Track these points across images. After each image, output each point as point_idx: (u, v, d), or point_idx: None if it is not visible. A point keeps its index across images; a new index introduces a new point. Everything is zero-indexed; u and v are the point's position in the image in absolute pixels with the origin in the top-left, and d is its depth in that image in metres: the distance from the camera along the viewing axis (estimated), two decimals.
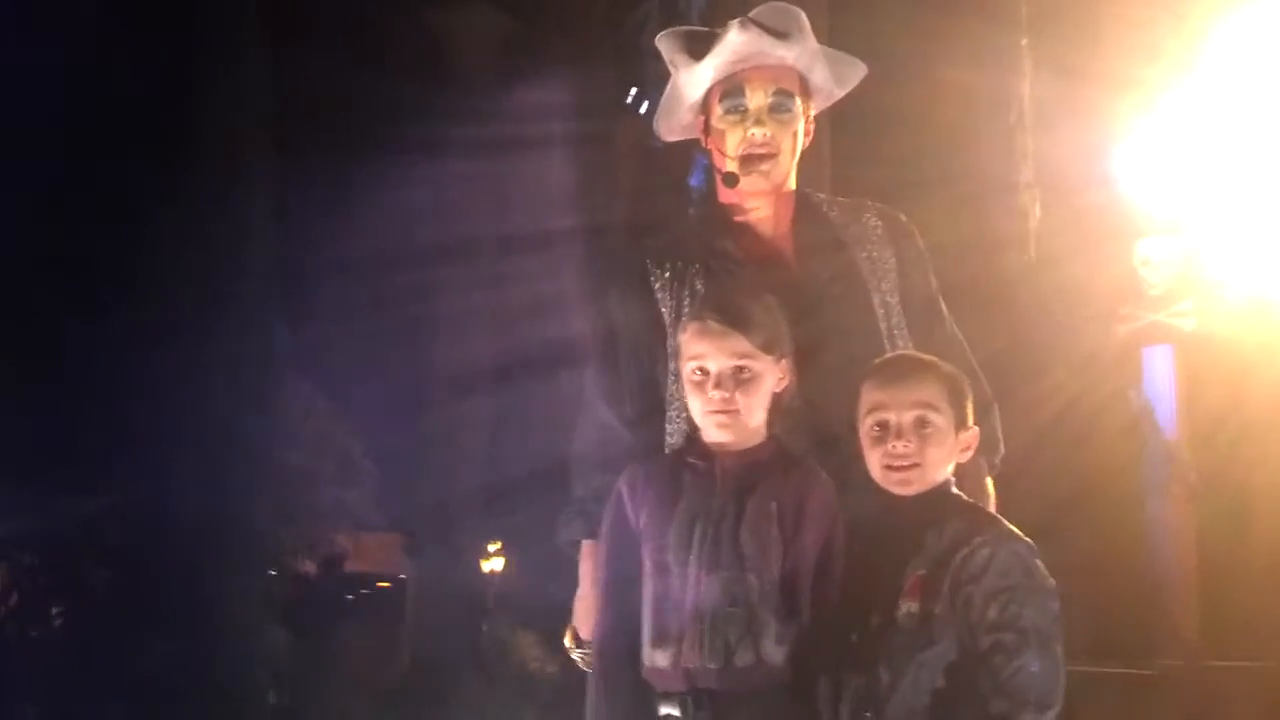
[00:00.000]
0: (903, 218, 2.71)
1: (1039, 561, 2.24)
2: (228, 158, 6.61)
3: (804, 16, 2.58)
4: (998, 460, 2.62)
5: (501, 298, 9.69)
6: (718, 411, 2.39)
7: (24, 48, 6.69)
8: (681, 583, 2.34)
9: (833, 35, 5.48)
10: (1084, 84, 5.57)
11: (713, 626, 2.32)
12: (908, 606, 2.23)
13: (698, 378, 2.40)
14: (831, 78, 2.66)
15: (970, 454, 2.36)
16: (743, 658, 2.32)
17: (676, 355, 2.46)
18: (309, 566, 11.41)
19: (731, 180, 2.56)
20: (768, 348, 2.39)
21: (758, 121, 2.55)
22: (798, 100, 2.58)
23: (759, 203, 2.60)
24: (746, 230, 2.62)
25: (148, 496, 6.71)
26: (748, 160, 2.55)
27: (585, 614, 2.60)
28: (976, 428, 2.36)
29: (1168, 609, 6.06)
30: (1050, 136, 5.90)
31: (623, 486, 2.44)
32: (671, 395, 2.54)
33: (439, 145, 8.80)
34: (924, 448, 2.29)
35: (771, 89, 2.55)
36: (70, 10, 6.80)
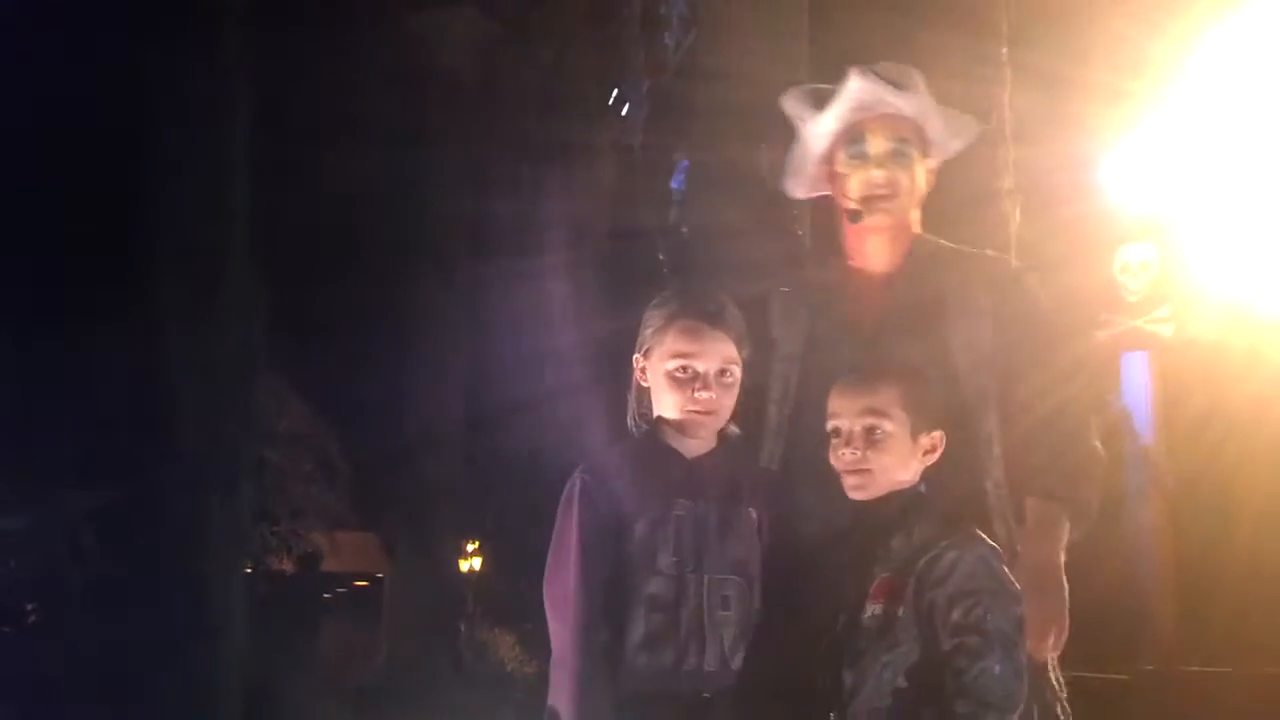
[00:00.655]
0: (1013, 270, 2.80)
1: (1004, 566, 2.27)
2: (203, 158, 6.59)
3: (919, 75, 2.73)
4: (1080, 534, 2.59)
5: (481, 298, 9.69)
6: (701, 412, 2.42)
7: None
8: (676, 584, 2.35)
9: (814, 47, 5.53)
10: (1065, 94, 5.60)
11: (711, 629, 2.33)
12: (873, 608, 2.26)
13: (683, 376, 2.42)
14: (947, 132, 2.79)
15: (936, 456, 2.38)
16: (737, 661, 2.34)
17: (644, 349, 2.49)
18: (286, 565, 11.39)
19: (856, 217, 2.72)
20: (741, 355, 2.46)
21: (878, 165, 2.70)
22: (914, 149, 2.72)
23: (878, 241, 2.73)
24: (857, 275, 2.77)
25: (123, 493, 6.68)
26: (869, 200, 2.70)
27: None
28: (941, 432, 2.37)
29: (1146, 614, 6.09)
30: (1031, 145, 5.92)
31: (588, 480, 2.42)
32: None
33: (420, 146, 8.79)
34: (873, 454, 2.32)
35: (891, 136, 2.71)
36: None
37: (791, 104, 2.82)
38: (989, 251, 2.81)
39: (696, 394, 2.41)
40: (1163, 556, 6.12)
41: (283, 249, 7.70)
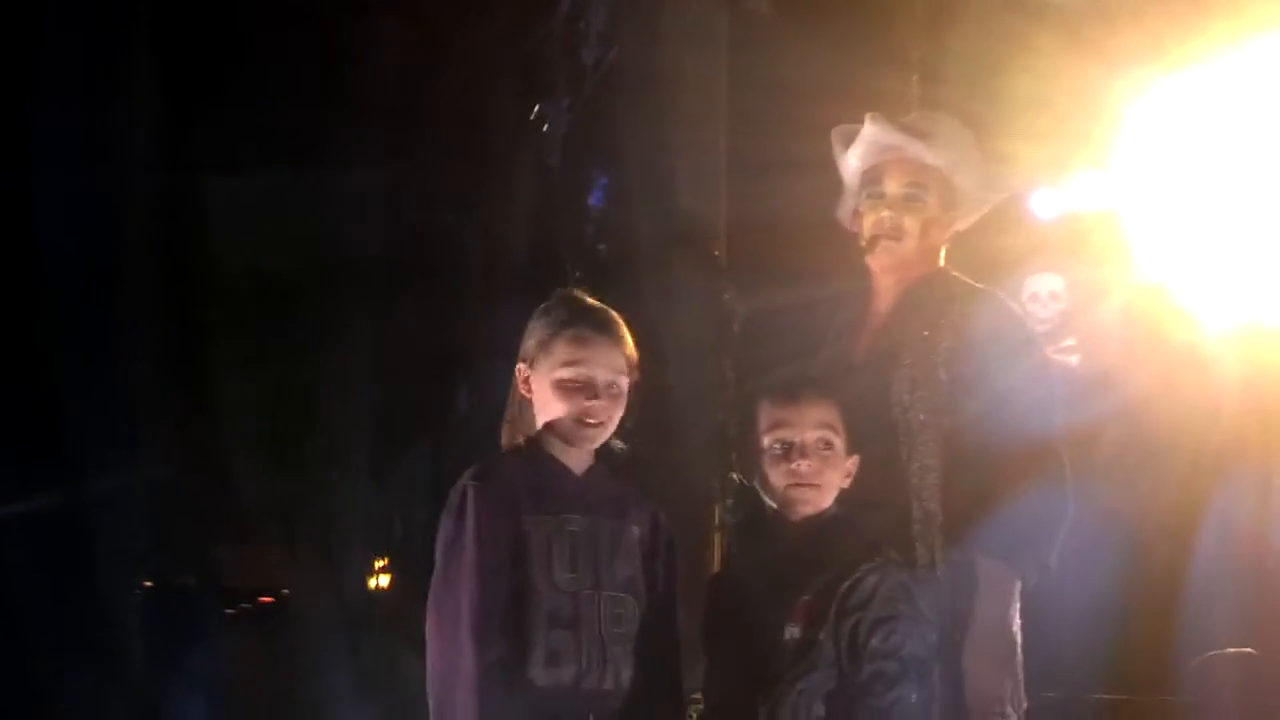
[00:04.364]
0: (995, 317, 2.85)
1: (920, 591, 2.27)
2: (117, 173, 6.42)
3: (960, 128, 2.94)
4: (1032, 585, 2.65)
5: (393, 311, 9.57)
6: (593, 424, 2.40)
7: None
8: (573, 601, 2.32)
9: (732, 65, 5.55)
10: (977, 128, 5.64)
11: (605, 646, 2.30)
12: (791, 631, 2.25)
13: (573, 385, 2.40)
14: (981, 184, 2.96)
15: (850, 481, 2.38)
16: (628, 677, 2.31)
17: (530, 358, 2.46)
18: (186, 579, 11.13)
19: (863, 252, 2.92)
20: (629, 368, 2.46)
21: (890, 206, 2.86)
22: (931, 195, 2.87)
23: (884, 277, 2.91)
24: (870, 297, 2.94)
25: (15, 508, 6.48)
26: (874, 239, 2.88)
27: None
28: (858, 456, 2.38)
29: (1047, 642, 6.14)
30: None
31: (480, 489, 2.37)
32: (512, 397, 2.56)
33: (337, 162, 8.67)
34: (824, 469, 2.32)
35: (906, 181, 2.88)
36: None
37: (834, 142, 3.02)
38: (999, 293, 2.93)
39: (587, 403, 2.37)
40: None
41: (191, 266, 7.55)
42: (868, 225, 2.91)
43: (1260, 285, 5.01)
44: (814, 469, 2.34)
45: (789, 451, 2.36)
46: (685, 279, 5.09)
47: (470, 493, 2.37)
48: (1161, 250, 5.21)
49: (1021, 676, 2.58)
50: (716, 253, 5.27)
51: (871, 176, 2.93)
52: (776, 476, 2.37)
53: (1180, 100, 4.98)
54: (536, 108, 7.43)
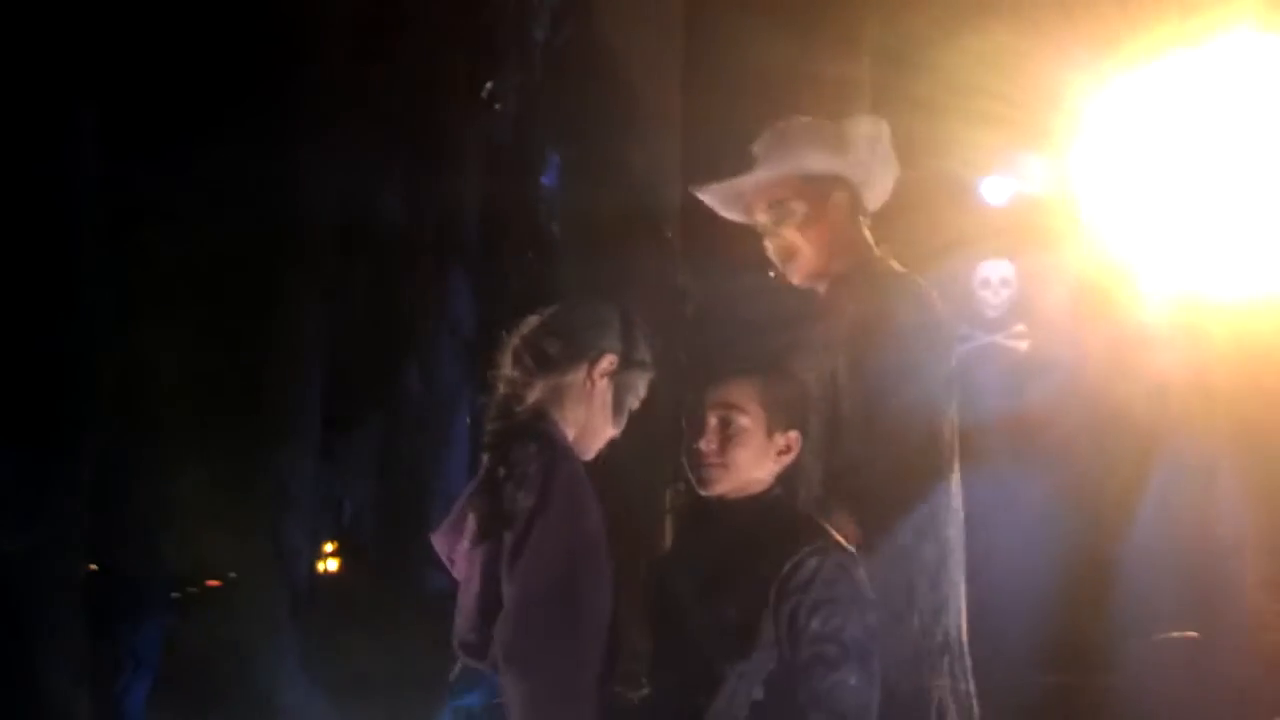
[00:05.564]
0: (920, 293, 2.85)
1: (862, 572, 2.26)
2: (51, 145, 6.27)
3: (787, 131, 2.90)
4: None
5: (342, 291, 9.48)
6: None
7: None
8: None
9: (689, 43, 5.52)
10: (931, 116, 5.63)
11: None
12: (731, 614, 2.22)
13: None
14: (850, 162, 2.92)
15: (790, 457, 2.37)
16: None
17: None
18: (132, 563, 10.98)
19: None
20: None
21: (768, 233, 2.91)
22: (796, 199, 2.87)
23: (816, 281, 2.93)
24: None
25: None
26: (782, 266, 2.93)
27: None
28: (797, 433, 2.36)
29: (994, 624, 6.17)
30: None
31: (575, 462, 2.34)
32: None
33: (285, 132, 8.55)
34: (727, 448, 2.30)
35: (764, 204, 2.91)
36: None
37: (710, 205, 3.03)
38: (916, 278, 2.89)
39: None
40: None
41: (142, 244, 7.42)
42: (772, 255, 2.96)
43: (1209, 268, 5.04)
44: (713, 449, 2.33)
45: (691, 430, 2.36)
46: (638, 260, 5.06)
47: (570, 454, 2.39)
48: (1111, 235, 5.22)
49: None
50: (669, 234, 5.26)
51: (745, 212, 2.98)
52: (686, 455, 2.38)
53: (1131, 85, 4.99)
54: (488, 85, 7.38)
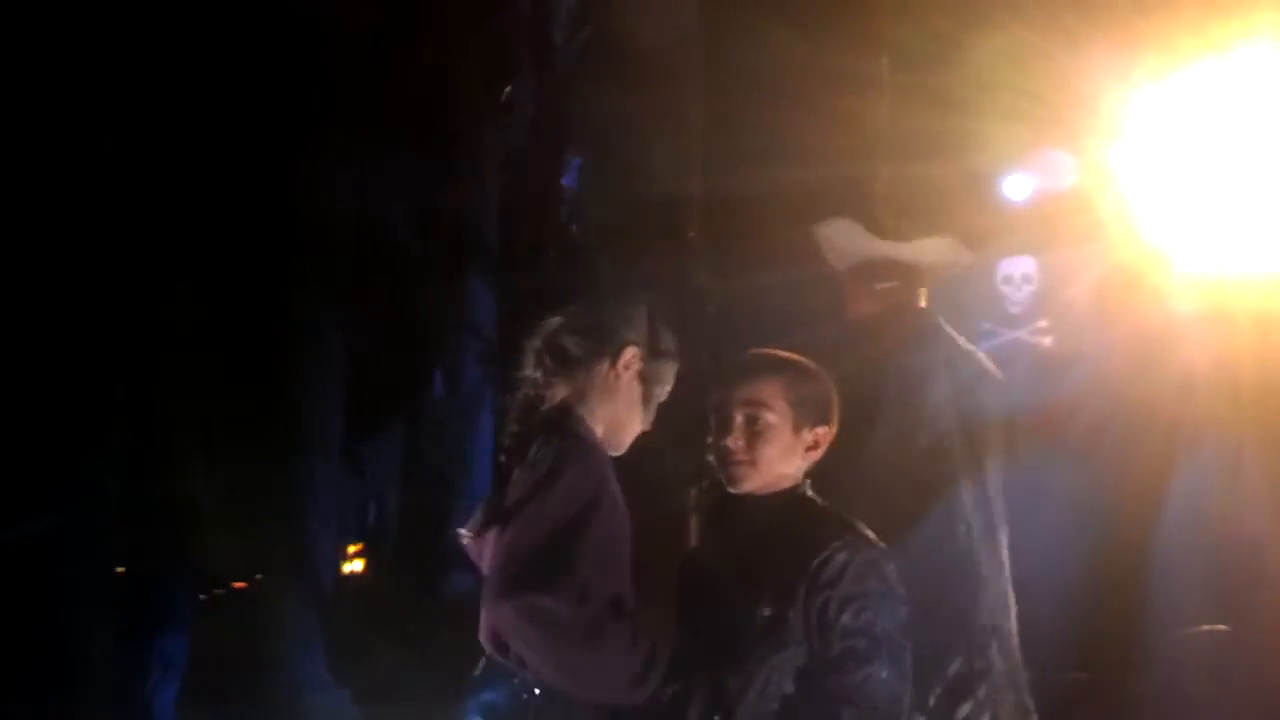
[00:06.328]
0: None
1: (892, 567, 2.26)
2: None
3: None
4: None
5: (365, 296, 9.51)
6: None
7: None
8: None
9: (708, 46, 5.51)
10: (952, 112, 5.61)
11: None
12: (761, 609, 2.23)
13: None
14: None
15: (818, 453, 2.37)
16: None
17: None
18: (160, 566, 11.03)
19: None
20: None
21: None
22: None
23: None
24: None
25: None
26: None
27: None
28: (827, 427, 2.36)
29: (1021, 620, 6.14)
30: (921, 161, 5.95)
31: (600, 455, 2.37)
32: None
33: (299, 145, 8.59)
34: (755, 445, 2.30)
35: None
36: None
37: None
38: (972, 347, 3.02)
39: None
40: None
41: (158, 249, 7.47)
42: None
43: (1232, 263, 5.02)
44: (740, 445, 2.33)
45: (719, 428, 2.36)
46: (659, 261, 5.07)
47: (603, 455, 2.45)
48: (1133, 230, 5.20)
49: None
50: (691, 234, 5.26)
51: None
52: (713, 453, 2.38)
53: (1152, 81, 4.98)
54: (508, 89, 7.39)
